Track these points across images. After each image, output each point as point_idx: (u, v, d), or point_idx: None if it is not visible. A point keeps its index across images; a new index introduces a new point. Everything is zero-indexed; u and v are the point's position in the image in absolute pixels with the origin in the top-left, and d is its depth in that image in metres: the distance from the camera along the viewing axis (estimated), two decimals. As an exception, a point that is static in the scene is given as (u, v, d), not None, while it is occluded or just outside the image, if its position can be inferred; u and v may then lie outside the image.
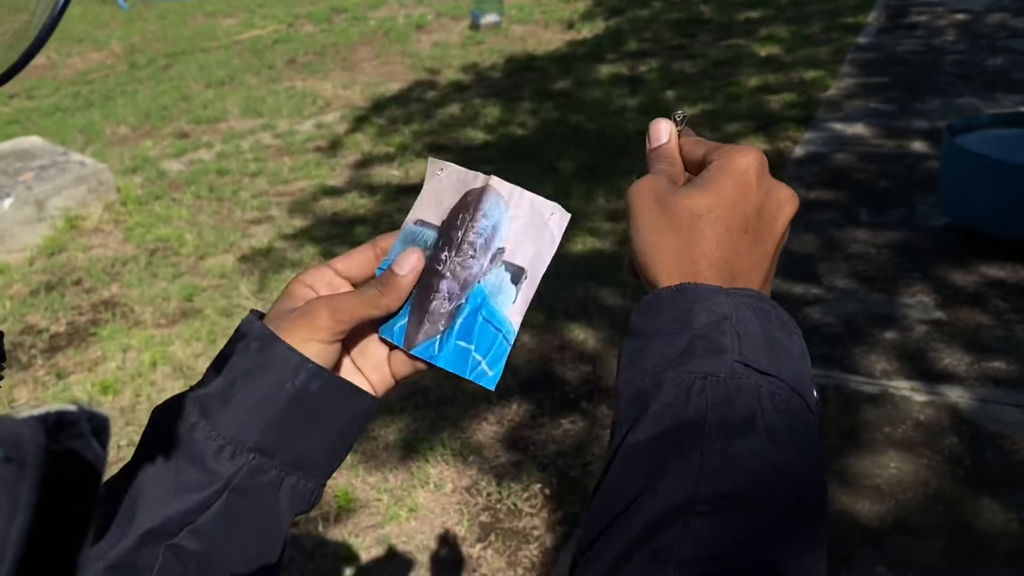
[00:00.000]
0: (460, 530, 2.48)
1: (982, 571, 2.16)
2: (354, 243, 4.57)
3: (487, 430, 2.89)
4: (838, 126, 5.30)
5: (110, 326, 3.82)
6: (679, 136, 0.61)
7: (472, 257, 0.59)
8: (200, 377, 0.57)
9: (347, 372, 0.62)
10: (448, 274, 0.59)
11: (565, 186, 4.84)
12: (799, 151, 4.97)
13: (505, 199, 0.59)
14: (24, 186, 4.77)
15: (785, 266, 3.39)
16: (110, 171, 5.20)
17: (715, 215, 0.51)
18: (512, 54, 8.05)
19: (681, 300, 0.50)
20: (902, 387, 2.85)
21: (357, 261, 0.64)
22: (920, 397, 2.79)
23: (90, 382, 3.39)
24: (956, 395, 2.78)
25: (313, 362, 0.55)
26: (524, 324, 0.61)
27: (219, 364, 0.56)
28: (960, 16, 7.54)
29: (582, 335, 3.36)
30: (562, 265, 3.88)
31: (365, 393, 0.60)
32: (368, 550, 2.47)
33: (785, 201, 0.54)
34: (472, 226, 0.59)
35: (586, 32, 8.63)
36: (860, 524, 2.32)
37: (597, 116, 6.03)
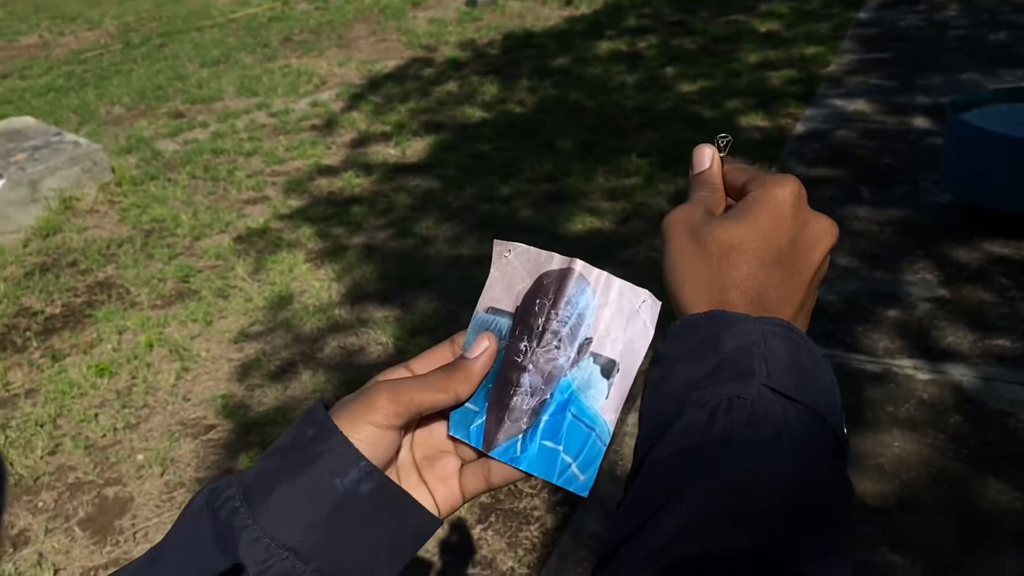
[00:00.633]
0: (460, 511, 2.46)
1: (987, 550, 2.14)
2: (350, 223, 4.55)
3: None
4: (839, 102, 5.25)
5: (106, 308, 3.78)
6: (722, 162, 0.60)
7: (557, 348, 0.53)
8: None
9: (411, 484, 0.55)
10: (530, 366, 0.54)
11: (564, 165, 4.79)
12: (800, 128, 4.92)
13: (592, 285, 0.54)
14: (17, 167, 4.72)
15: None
16: (104, 151, 5.14)
17: (748, 246, 0.51)
18: (510, 30, 7.97)
19: (709, 327, 0.49)
20: (905, 365, 2.83)
21: (435, 360, 0.58)
22: (923, 375, 2.77)
23: (86, 364, 3.36)
24: (959, 373, 2.76)
25: (368, 460, 0.49)
26: None
27: (273, 449, 0.52)
28: (962, -10, 7.47)
29: (582, 315, 3.33)
30: (560, 245, 3.85)
31: (423, 509, 0.53)
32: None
33: (824, 233, 0.53)
34: (555, 313, 0.53)
35: (584, 8, 8.54)
36: (863, 504, 2.30)
37: (596, 93, 5.97)
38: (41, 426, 3.04)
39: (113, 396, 3.19)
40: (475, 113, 5.92)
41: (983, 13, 6.76)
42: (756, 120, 5.12)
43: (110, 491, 2.73)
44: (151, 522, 2.58)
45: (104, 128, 6.42)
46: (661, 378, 0.50)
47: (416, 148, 5.41)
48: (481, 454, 0.55)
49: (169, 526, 0.52)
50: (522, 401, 0.53)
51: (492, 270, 0.58)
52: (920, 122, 4.82)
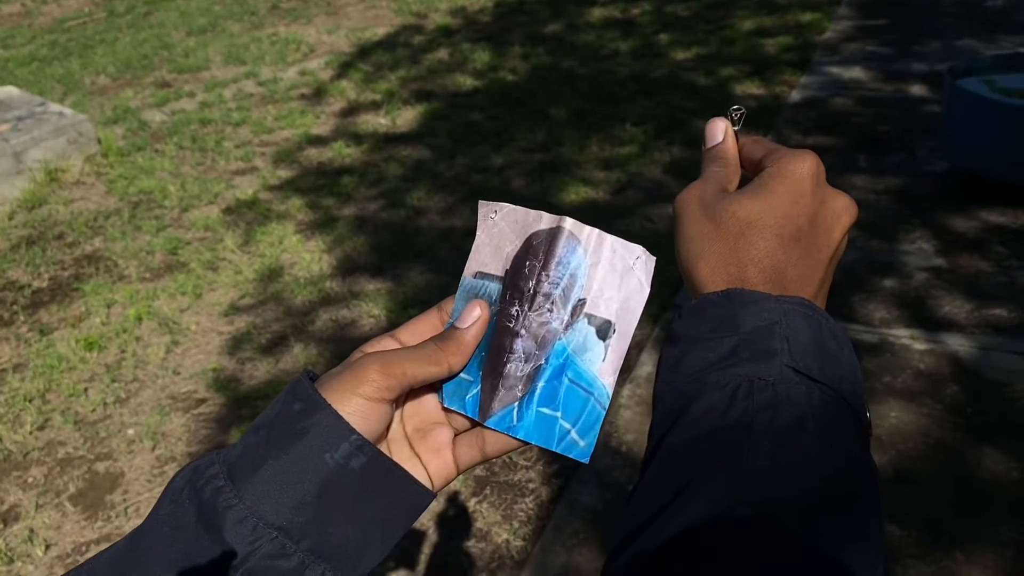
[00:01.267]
0: (455, 484, 2.44)
1: (983, 521, 2.14)
2: (340, 194, 4.49)
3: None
4: (835, 70, 5.19)
5: (94, 281, 3.73)
6: (736, 135, 0.57)
7: (549, 311, 0.51)
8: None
9: (403, 457, 0.53)
10: (522, 331, 0.51)
11: (557, 134, 4.73)
12: (795, 96, 4.86)
13: (583, 243, 0.52)
14: (1, 138, 4.63)
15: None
16: (90, 122, 5.06)
17: (765, 223, 0.49)
18: (501, -2, 7.85)
19: (727, 305, 0.47)
20: (902, 336, 2.81)
21: (423, 328, 0.55)
22: (920, 346, 2.76)
23: (74, 338, 3.32)
24: (956, 343, 2.75)
25: (359, 434, 0.47)
26: None
27: (258, 424, 0.49)
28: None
29: (576, 286, 3.30)
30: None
31: (417, 483, 0.51)
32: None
33: (842, 211, 0.52)
34: (546, 275, 0.51)
35: (577, -26, 8.41)
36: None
37: (589, 61, 5.89)
38: (30, 401, 3.00)
39: (102, 370, 3.15)
40: (466, 81, 5.83)
41: (980, -22, 6.68)
42: (751, 88, 5.06)
43: (101, 466, 2.70)
44: (142, 497, 2.55)
45: (89, 98, 6.31)
46: (677, 358, 0.48)
47: (407, 117, 5.33)
48: (475, 424, 0.53)
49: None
50: (516, 368, 0.52)
51: (478, 232, 0.56)
52: (917, 89, 4.77)
